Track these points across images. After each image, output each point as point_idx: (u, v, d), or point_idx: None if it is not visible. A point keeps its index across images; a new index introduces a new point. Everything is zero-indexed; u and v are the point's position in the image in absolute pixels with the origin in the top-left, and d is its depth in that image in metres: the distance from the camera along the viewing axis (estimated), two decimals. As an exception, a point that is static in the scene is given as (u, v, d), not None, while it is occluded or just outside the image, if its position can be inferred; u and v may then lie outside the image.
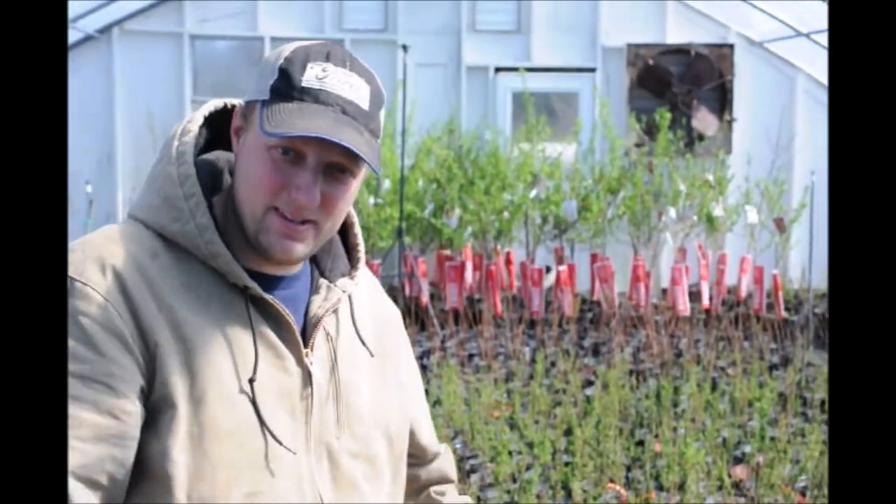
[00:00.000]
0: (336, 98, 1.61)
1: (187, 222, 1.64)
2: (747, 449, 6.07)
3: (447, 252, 9.96)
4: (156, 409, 1.56)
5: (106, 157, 10.83)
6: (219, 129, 1.77)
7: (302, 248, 1.67)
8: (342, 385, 1.74)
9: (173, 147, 1.70)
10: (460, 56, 11.12)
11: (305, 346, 1.70)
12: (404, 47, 9.61)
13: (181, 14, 10.85)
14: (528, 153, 10.26)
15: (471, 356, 8.30)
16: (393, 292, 9.60)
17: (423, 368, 7.91)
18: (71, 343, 1.52)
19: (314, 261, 1.81)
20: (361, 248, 1.86)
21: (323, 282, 1.78)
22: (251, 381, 1.61)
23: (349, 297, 1.80)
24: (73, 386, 1.50)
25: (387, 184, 10.06)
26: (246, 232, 1.66)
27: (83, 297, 1.55)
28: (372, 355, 1.81)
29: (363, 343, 1.80)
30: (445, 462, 2.07)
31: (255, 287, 1.65)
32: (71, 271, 1.57)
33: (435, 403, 6.89)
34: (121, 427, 1.52)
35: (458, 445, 6.19)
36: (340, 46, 1.68)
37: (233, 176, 1.71)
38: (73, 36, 10.65)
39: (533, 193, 10.03)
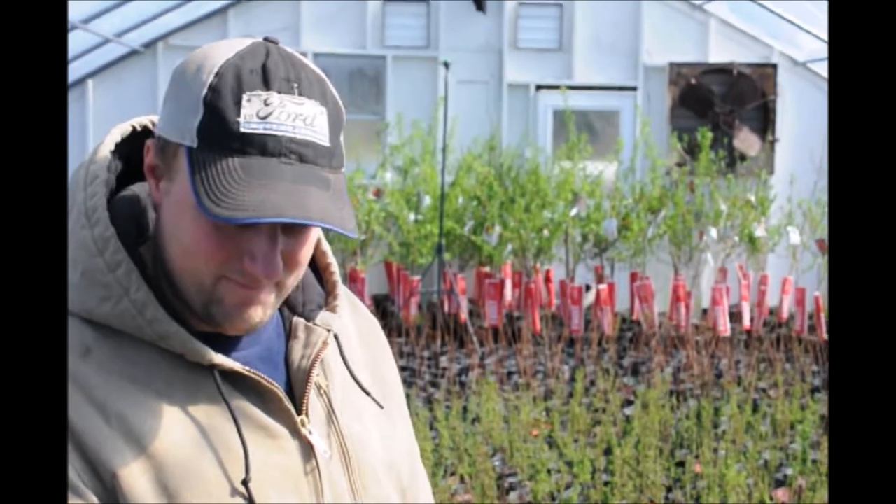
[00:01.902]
0: (289, 143, 1.24)
1: (119, 300, 1.30)
2: (789, 472, 6.01)
3: (487, 269, 9.95)
4: None
5: (149, 171, 10.91)
6: (130, 154, 1.42)
7: (263, 313, 1.34)
8: (349, 444, 1.44)
9: (82, 203, 1.34)
10: (502, 73, 11.14)
11: (298, 411, 1.39)
12: (446, 64, 9.63)
13: (225, 29, 10.94)
14: (569, 171, 10.25)
15: (510, 374, 8.27)
16: (432, 308, 9.61)
17: (462, 385, 7.90)
18: None
19: None
20: (335, 268, 1.53)
21: (299, 322, 1.45)
22: (245, 482, 1.30)
23: (335, 335, 1.47)
24: None
25: (427, 200, 10.07)
26: (185, 297, 1.33)
27: None
28: (381, 407, 1.51)
29: (366, 392, 1.49)
30: None
31: (226, 363, 1.33)
32: None
33: (474, 420, 6.88)
34: None
35: (496, 463, 6.16)
36: (276, 49, 1.31)
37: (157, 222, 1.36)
38: (118, 50, 10.76)
39: (573, 211, 10.01)
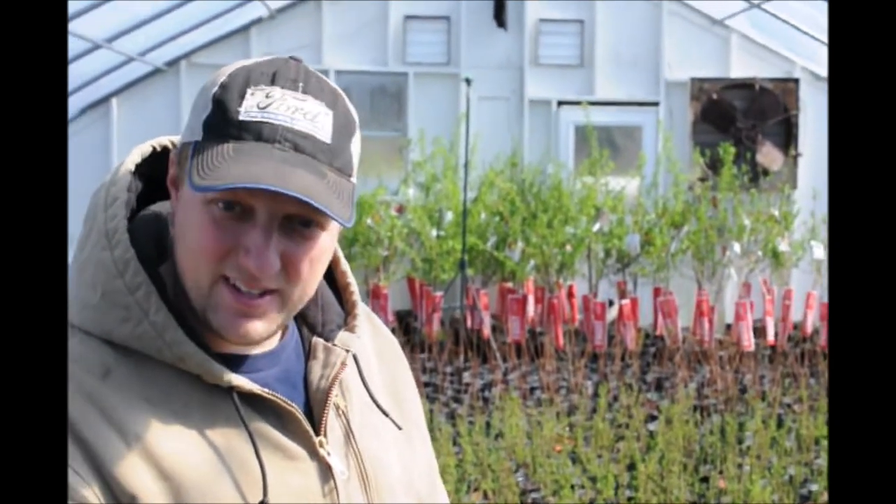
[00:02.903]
0: (284, 132, 1.26)
1: (139, 322, 1.30)
2: (814, 487, 5.98)
3: (509, 285, 9.94)
4: None
5: (172, 188, 10.97)
6: (155, 174, 1.43)
7: (263, 327, 1.32)
8: (367, 465, 1.44)
9: (101, 224, 1.35)
10: (523, 90, 11.15)
11: (316, 432, 1.39)
12: (467, 81, 9.65)
13: (248, 47, 11.00)
14: (591, 187, 10.24)
15: (532, 389, 8.26)
16: (455, 324, 9.61)
17: (485, 401, 7.89)
18: None
19: (300, 315, 1.46)
20: (354, 288, 1.51)
21: (318, 342, 1.45)
22: (262, 503, 1.30)
23: (354, 355, 1.46)
24: None
25: (449, 216, 10.08)
26: (195, 309, 1.33)
27: None
28: (400, 428, 1.50)
29: (385, 413, 1.48)
30: None
31: (244, 384, 1.33)
32: None
33: (497, 436, 6.87)
34: None
35: (519, 478, 6.15)
36: (295, 62, 1.33)
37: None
38: (141, 69, 10.84)
39: (596, 227, 10.00)
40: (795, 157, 11.00)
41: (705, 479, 6.15)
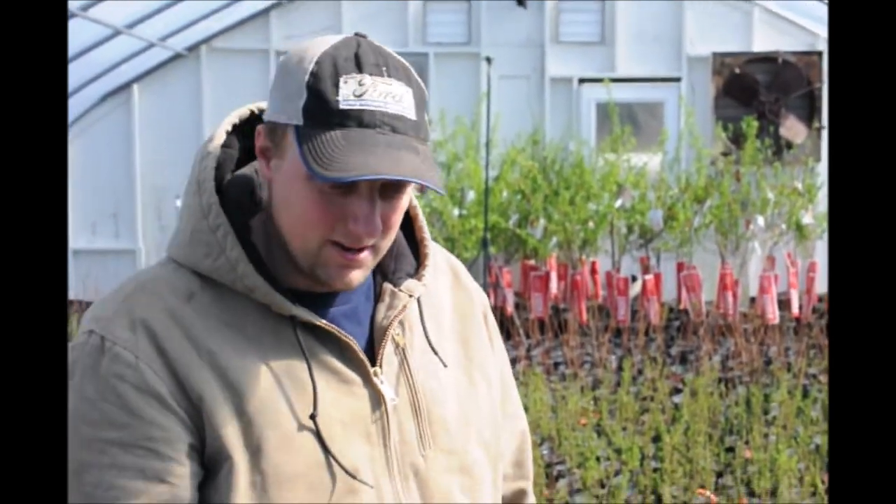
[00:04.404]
0: (382, 117, 1.43)
1: (218, 256, 1.50)
2: (841, 456, 5.95)
3: (532, 262, 9.93)
4: (213, 464, 1.46)
5: (195, 173, 11.00)
6: (250, 137, 1.60)
7: (361, 275, 1.53)
8: (421, 397, 1.58)
9: (194, 175, 1.56)
10: (544, 67, 11.12)
11: (373, 362, 1.55)
12: (488, 59, 9.64)
13: (267, 31, 11.01)
14: (613, 163, 10.21)
15: (556, 365, 8.26)
16: (478, 303, 9.60)
17: (509, 377, 7.89)
18: (106, 408, 1.43)
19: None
20: (428, 242, 1.69)
21: (387, 287, 1.61)
22: (312, 416, 1.48)
23: (418, 299, 1.63)
24: (114, 454, 1.42)
25: (471, 195, 10.07)
26: (296, 259, 1.52)
27: (114, 357, 1.45)
28: (445, 365, 1.63)
29: (434, 352, 1.62)
30: (529, 487, 1.88)
31: (302, 314, 1.51)
32: (100, 329, 1.48)
33: (521, 411, 6.87)
34: (172, 491, 1.43)
35: (545, 452, 6.16)
36: (365, 41, 1.50)
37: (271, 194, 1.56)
38: (161, 54, 10.87)
39: (618, 203, 9.97)
40: (819, 130, 10.93)
41: (731, 450, 6.13)
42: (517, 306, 9.52)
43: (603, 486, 5.62)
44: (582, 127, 11.11)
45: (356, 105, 1.43)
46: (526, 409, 6.84)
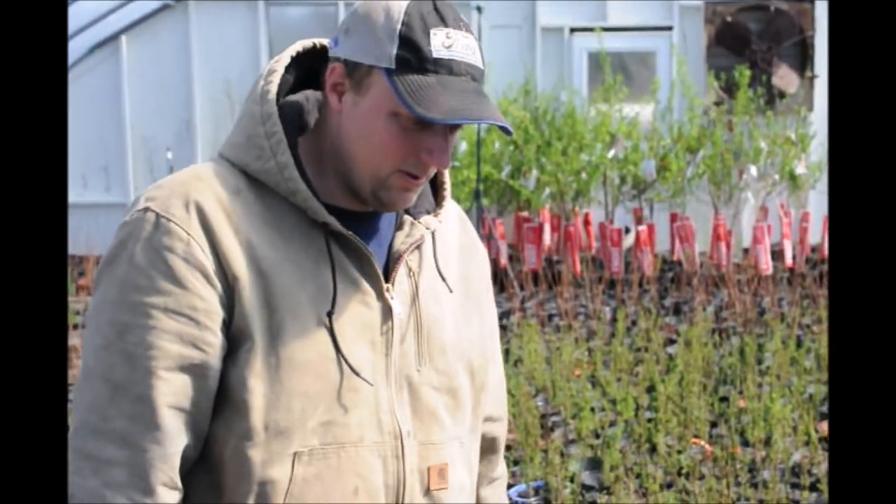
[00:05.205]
0: (466, 67, 1.63)
1: (268, 160, 1.67)
2: (834, 405, 5.97)
3: (525, 214, 9.92)
4: (235, 340, 1.62)
5: (185, 125, 10.95)
6: (307, 68, 1.77)
7: (414, 198, 1.73)
8: (423, 319, 1.76)
9: (259, 87, 1.72)
10: (535, 17, 11.05)
11: (387, 280, 1.73)
12: (479, 9, 9.56)
13: (256, -19, 10.92)
14: (606, 113, 10.16)
15: (550, 316, 8.27)
16: (471, 254, 9.60)
17: (503, 329, 7.91)
18: (155, 276, 1.59)
19: None
20: (448, 185, 1.86)
21: (407, 218, 1.78)
22: (329, 314, 1.65)
23: (433, 233, 1.80)
24: (158, 318, 1.58)
25: (464, 146, 10.04)
26: (354, 182, 1.70)
27: (167, 232, 1.60)
28: (451, 291, 1.81)
29: (443, 279, 1.81)
30: (500, 430, 2.05)
31: (334, 223, 1.67)
32: (156, 207, 1.62)
33: (516, 362, 6.88)
34: (203, 357, 1.60)
35: (539, 403, 6.17)
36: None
37: (324, 120, 1.73)
38: (150, 5, 10.77)
39: (611, 154, 9.94)
40: (812, 79, 10.89)
41: (725, 399, 6.15)
42: (510, 258, 9.51)
43: (597, 436, 5.64)
44: (574, 77, 11.05)
45: (446, 55, 1.61)
46: (520, 360, 6.85)
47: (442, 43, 1.61)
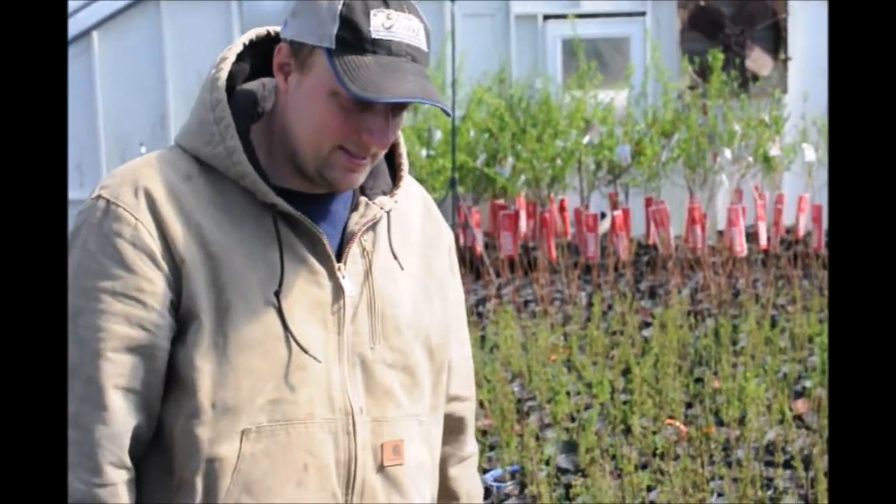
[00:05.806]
0: (406, 48, 1.66)
1: (217, 145, 1.71)
2: (808, 383, 6.01)
3: (501, 201, 9.92)
4: (184, 321, 1.67)
5: (159, 119, 10.90)
6: (265, 56, 1.79)
7: (360, 178, 1.75)
8: (377, 297, 1.78)
9: (210, 74, 1.77)
10: (508, 5, 11.03)
11: (339, 260, 1.76)
12: (451, -1, 9.54)
13: (226, -25, 10.87)
14: (580, 99, 10.16)
15: (527, 303, 8.28)
16: (448, 243, 9.59)
17: (479, 316, 7.91)
18: (104, 260, 1.65)
19: None
20: (405, 167, 1.89)
21: (362, 199, 1.81)
22: (276, 293, 1.69)
23: (388, 213, 1.82)
24: (105, 301, 1.64)
25: (438, 135, 10.02)
26: (300, 162, 1.73)
27: (116, 217, 1.66)
28: (402, 269, 1.83)
29: (395, 257, 1.82)
30: (468, 409, 2.08)
31: (281, 203, 1.70)
32: (107, 194, 1.69)
33: (492, 348, 6.89)
34: (150, 338, 1.65)
35: (515, 388, 6.19)
36: None
37: (276, 103, 1.77)
38: (120, 2, 10.71)
39: (586, 139, 9.94)
40: (785, 61, 10.92)
41: (700, 380, 6.18)
42: (486, 246, 9.51)
43: (573, 419, 5.66)
44: (548, 64, 11.05)
45: (385, 36, 1.65)
46: (497, 346, 6.86)
47: (382, 24, 1.65)
